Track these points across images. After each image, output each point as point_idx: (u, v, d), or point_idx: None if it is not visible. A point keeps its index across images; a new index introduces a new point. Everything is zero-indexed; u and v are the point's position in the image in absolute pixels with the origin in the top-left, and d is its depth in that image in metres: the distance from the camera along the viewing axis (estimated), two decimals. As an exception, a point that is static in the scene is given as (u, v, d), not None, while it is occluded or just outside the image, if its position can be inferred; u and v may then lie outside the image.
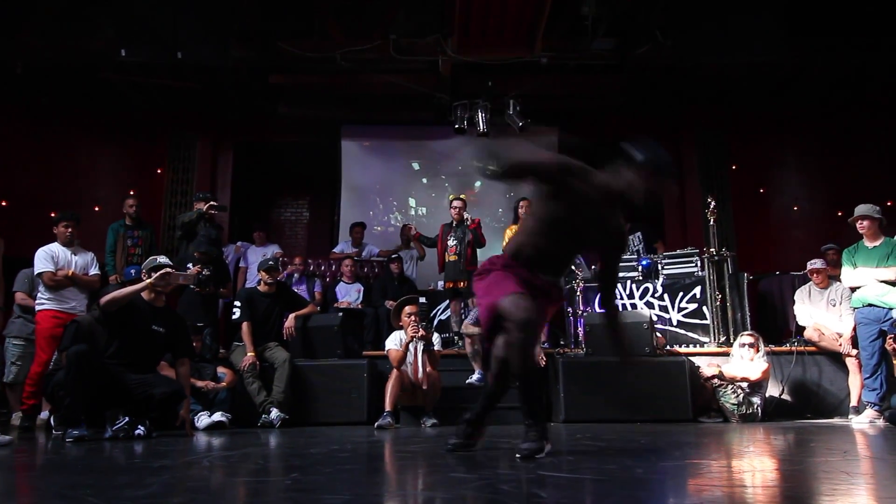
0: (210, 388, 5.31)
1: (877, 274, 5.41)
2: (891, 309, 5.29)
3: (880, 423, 5.14)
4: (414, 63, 8.15)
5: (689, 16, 7.34)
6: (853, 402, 5.70)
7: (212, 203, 6.72)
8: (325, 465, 2.75)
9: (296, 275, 7.58)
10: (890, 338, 5.16)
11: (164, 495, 1.99)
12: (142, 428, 4.22)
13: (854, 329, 5.65)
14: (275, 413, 5.28)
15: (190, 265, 6.11)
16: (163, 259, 4.71)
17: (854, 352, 5.67)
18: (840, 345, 5.85)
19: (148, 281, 4.45)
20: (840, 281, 5.89)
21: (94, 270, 5.85)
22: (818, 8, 7.32)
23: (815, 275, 6.25)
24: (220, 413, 5.14)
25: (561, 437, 4.26)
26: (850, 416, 5.62)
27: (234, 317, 5.85)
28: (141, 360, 4.43)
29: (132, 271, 5.73)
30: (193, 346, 5.06)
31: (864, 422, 5.23)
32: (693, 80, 8.73)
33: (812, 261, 6.33)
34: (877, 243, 5.55)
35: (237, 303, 5.88)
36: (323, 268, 8.44)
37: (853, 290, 5.63)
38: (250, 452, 3.47)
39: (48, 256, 5.59)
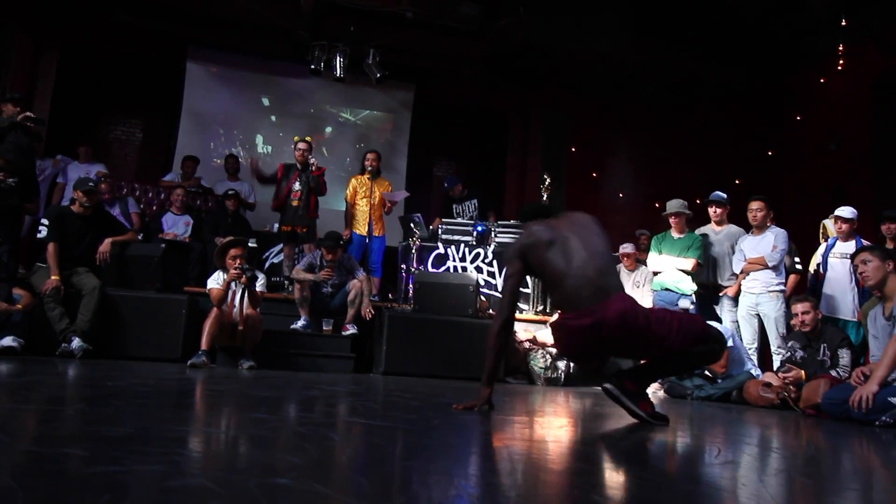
0: (2, 309, 4.82)
1: (677, 263, 6.04)
2: (682, 295, 5.93)
3: (661, 394, 5.78)
4: (276, -8, 7.76)
5: (550, -1, 7.62)
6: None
7: (28, 115, 6.00)
8: (118, 398, 2.62)
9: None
10: None
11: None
12: None
13: (652, 309, 6.27)
14: (76, 342, 4.91)
15: (-10, 172, 5.45)
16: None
17: (648, 329, 6.29)
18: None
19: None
20: (647, 265, 6.50)
21: None
22: (662, 14, 7.88)
23: (624, 258, 6.84)
24: (11, 338, 4.69)
25: (376, 388, 4.37)
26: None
27: (39, 235, 5.34)
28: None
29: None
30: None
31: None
32: (547, 61, 9.10)
33: (624, 245, 6.91)
34: (681, 235, 6.18)
35: (45, 220, 5.36)
36: (150, 195, 7.89)
37: (656, 273, 6.24)
38: (37, 380, 3.22)
39: None
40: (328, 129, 9.78)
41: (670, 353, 2.82)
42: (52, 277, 5.12)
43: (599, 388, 3.13)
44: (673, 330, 2.75)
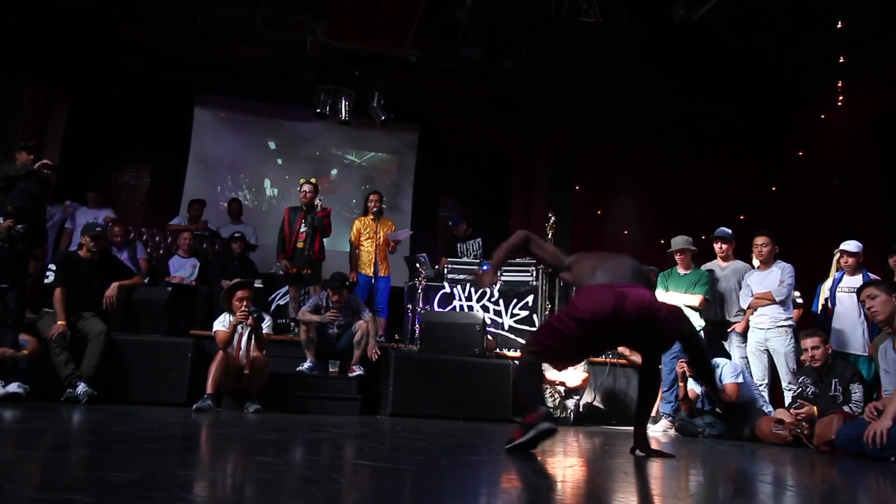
0: (8, 355, 4.82)
1: (684, 299, 6.00)
2: (690, 331, 5.88)
3: (672, 432, 5.70)
4: (281, 39, 7.92)
5: (551, 39, 7.73)
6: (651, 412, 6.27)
7: (46, 162, 6.12)
8: (123, 443, 2.60)
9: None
10: (681, 361, 5.65)
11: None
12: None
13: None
14: (82, 388, 4.89)
15: (0, 218, 5.52)
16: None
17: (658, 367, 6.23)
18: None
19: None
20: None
21: None
22: (663, 53, 8.00)
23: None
24: (16, 384, 4.67)
25: (383, 430, 4.33)
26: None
27: (46, 280, 5.37)
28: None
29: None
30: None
31: (658, 430, 5.76)
32: (549, 101, 9.21)
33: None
34: (688, 272, 6.17)
35: (52, 266, 5.40)
36: (157, 238, 7.95)
37: (663, 311, 6.19)
38: (42, 426, 3.20)
39: None
40: (334, 172, 9.88)
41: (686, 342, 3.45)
42: (59, 323, 5.13)
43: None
44: (676, 317, 3.09)
